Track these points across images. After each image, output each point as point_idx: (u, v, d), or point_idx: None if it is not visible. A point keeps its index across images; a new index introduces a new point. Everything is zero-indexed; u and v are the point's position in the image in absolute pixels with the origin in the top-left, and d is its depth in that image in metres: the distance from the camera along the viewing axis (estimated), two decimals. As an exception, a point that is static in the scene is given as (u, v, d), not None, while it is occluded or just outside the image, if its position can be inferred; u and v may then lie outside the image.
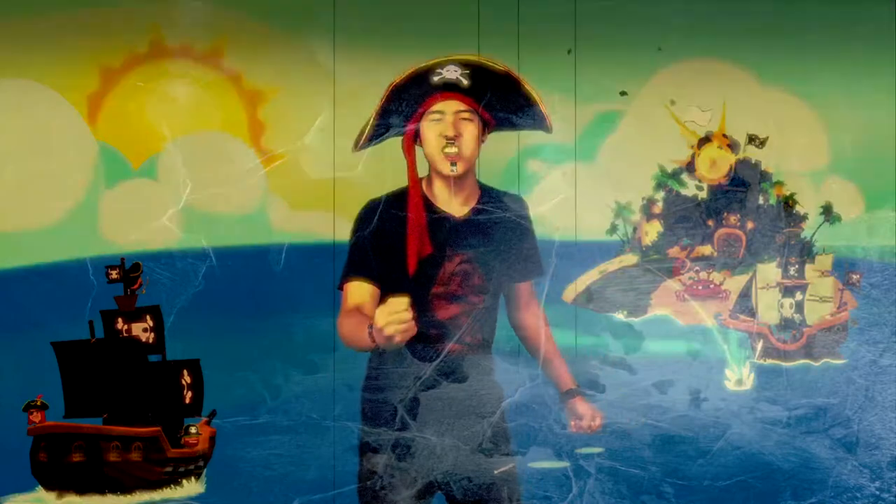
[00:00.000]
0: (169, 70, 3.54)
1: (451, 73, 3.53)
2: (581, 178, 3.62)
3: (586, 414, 3.56)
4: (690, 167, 3.67)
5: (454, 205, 3.53)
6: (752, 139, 3.68)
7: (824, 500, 3.65)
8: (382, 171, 3.54)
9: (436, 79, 3.51)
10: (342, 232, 3.53)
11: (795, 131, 3.69)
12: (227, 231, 3.53)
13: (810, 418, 3.66)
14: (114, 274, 3.49)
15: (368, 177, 3.54)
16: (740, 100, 3.67)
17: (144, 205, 3.51)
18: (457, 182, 3.51)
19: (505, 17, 3.60)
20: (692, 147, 3.67)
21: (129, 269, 3.50)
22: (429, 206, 3.51)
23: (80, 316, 3.47)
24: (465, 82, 3.52)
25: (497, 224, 3.52)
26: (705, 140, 3.67)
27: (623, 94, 3.63)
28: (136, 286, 3.50)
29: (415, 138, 3.52)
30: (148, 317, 3.51)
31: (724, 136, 3.68)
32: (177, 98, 3.54)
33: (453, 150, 3.47)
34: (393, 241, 3.47)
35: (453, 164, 3.48)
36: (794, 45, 3.67)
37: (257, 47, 3.55)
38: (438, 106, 3.49)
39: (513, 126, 3.57)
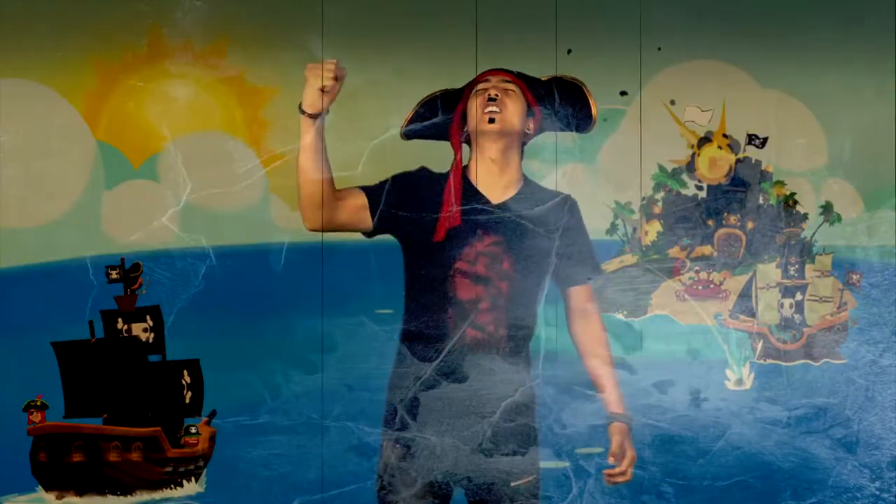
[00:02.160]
0: (169, 70, 3.54)
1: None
2: (581, 178, 3.62)
3: (616, 452, 3.44)
4: (690, 167, 3.67)
5: (494, 189, 3.51)
6: (752, 139, 3.68)
7: (824, 500, 3.65)
8: (383, 171, 3.54)
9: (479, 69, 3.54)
10: (342, 232, 3.53)
11: (795, 131, 3.69)
12: (226, 231, 3.53)
13: (810, 418, 3.66)
14: (114, 274, 3.49)
15: (368, 177, 3.54)
16: (740, 100, 3.67)
17: (144, 205, 3.51)
18: (498, 162, 3.48)
19: (504, 16, 3.60)
20: (692, 147, 3.67)
21: (129, 269, 3.50)
22: (467, 185, 3.50)
23: (80, 316, 3.48)
24: (514, 71, 3.53)
25: (535, 217, 3.49)
26: (705, 140, 3.68)
27: (623, 94, 3.64)
28: (136, 286, 3.50)
29: (462, 124, 3.51)
30: (148, 317, 3.51)
31: (724, 136, 3.68)
32: (177, 98, 3.54)
33: (494, 107, 3.46)
34: (424, 199, 3.46)
35: (492, 119, 3.46)
36: (794, 45, 3.67)
37: (257, 47, 3.55)
38: (485, 79, 3.51)
39: (556, 125, 3.57)
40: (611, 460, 3.45)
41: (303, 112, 3.33)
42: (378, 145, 3.55)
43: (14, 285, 3.47)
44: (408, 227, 3.46)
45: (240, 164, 3.54)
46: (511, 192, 3.50)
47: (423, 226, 3.45)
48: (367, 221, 3.45)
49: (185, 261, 3.51)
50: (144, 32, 3.53)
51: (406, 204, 3.46)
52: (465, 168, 3.53)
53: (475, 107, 3.50)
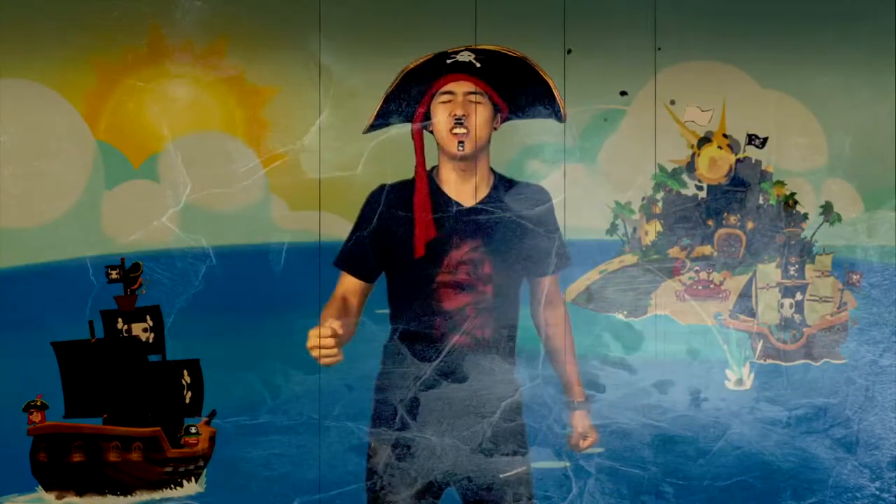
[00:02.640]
0: (169, 70, 3.54)
1: (465, 56, 3.52)
2: (581, 178, 3.62)
3: (577, 430, 3.57)
4: (690, 167, 3.67)
5: (464, 192, 3.52)
6: (752, 139, 3.68)
7: (824, 500, 3.65)
8: (383, 171, 3.54)
9: (448, 62, 3.51)
10: (342, 232, 3.53)
11: (795, 131, 3.68)
12: (227, 231, 3.53)
13: (810, 418, 3.66)
14: (114, 274, 3.49)
15: (368, 177, 3.54)
16: (740, 100, 3.67)
17: (144, 205, 3.51)
18: (467, 168, 3.51)
19: (503, 16, 3.60)
20: (692, 147, 3.67)
21: (129, 269, 3.50)
22: (437, 193, 3.50)
23: (80, 316, 3.47)
24: (478, 65, 3.51)
25: (510, 215, 3.51)
26: (705, 140, 3.68)
27: (623, 94, 3.64)
28: (136, 286, 3.49)
29: (425, 121, 3.51)
30: (148, 317, 3.51)
31: (724, 136, 3.68)
32: (177, 98, 3.54)
33: (461, 130, 3.48)
34: (397, 227, 3.47)
35: (461, 142, 3.48)
36: (794, 45, 3.67)
37: (257, 47, 3.55)
38: (449, 86, 3.50)
39: (524, 114, 3.57)
40: (582, 444, 3.56)
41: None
42: (378, 145, 3.55)
43: (14, 285, 3.47)
44: (388, 257, 3.50)
45: (240, 164, 3.54)
46: (484, 192, 3.51)
47: (401, 248, 3.48)
48: (366, 286, 3.50)
49: (185, 261, 3.51)
50: (144, 32, 3.53)
51: (380, 242, 3.49)
52: (433, 170, 3.53)
53: (440, 117, 3.50)
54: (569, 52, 3.61)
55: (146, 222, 3.51)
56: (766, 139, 3.67)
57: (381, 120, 3.53)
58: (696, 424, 3.63)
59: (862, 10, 3.70)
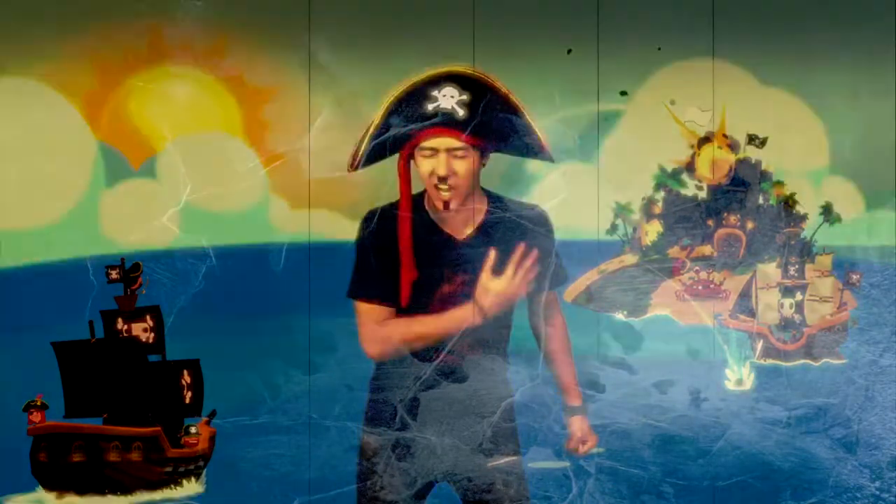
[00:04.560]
0: (169, 70, 3.54)
1: (447, 100, 3.48)
2: (581, 178, 3.62)
3: (576, 435, 3.57)
4: (690, 167, 3.67)
5: (457, 224, 3.51)
6: (752, 139, 3.68)
7: (824, 500, 3.65)
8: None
9: (431, 107, 3.48)
10: (342, 232, 3.53)
11: (795, 131, 3.68)
12: (227, 231, 3.53)
13: (810, 418, 3.66)
14: (114, 274, 3.49)
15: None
16: (740, 100, 3.67)
17: (144, 205, 3.51)
18: (458, 207, 3.50)
19: (503, 17, 3.60)
20: (692, 147, 3.67)
21: (129, 269, 3.50)
22: (429, 225, 3.49)
23: (80, 316, 3.48)
24: (461, 113, 3.48)
25: (507, 243, 3.51)
26: (705, 140, 3.67)
27: (623, 94, 3.63)
28: (136, 286, 3.50)
29: (409, 160, 3.50)
30: (148, 317, 3.51)
31: (724, 136, 3.68)
32: (177, 98, 3.54)
33: (446, 193, 3.46)
34: (391, 260, 3.47)
35: (446, 204, 3.46)
36: (794, 45, 3.67)
37: (257, 47, 3.55)
38: (431, 142, 3.47)
39: (513, 152, 3.56)
40: (581, 449, 3.56)
41: None
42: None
43: (14, 285, 3.47)
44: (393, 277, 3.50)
45: (240, 164, 3.54)
46: (477, 220, 3.50)
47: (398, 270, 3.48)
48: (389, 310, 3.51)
49: (185, 261, 3.51)
50: (144, 32, 3.53)
51: (385, 273, 3.49)
52: (421, 197, 3.51)
53: (423, 169, 3.47)
54: (569, 51, 3.61)
55: (146, 222, 3.51)
56: (766, 139, 3.67)
57: (372, 158, 3.51)
58: (696, 424, 3.63)
59: (862, 10, 3.70)
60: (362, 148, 3.50)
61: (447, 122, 3.48)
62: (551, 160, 3.56)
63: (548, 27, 3.61)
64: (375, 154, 3.50)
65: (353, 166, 3.51)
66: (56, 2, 3.51)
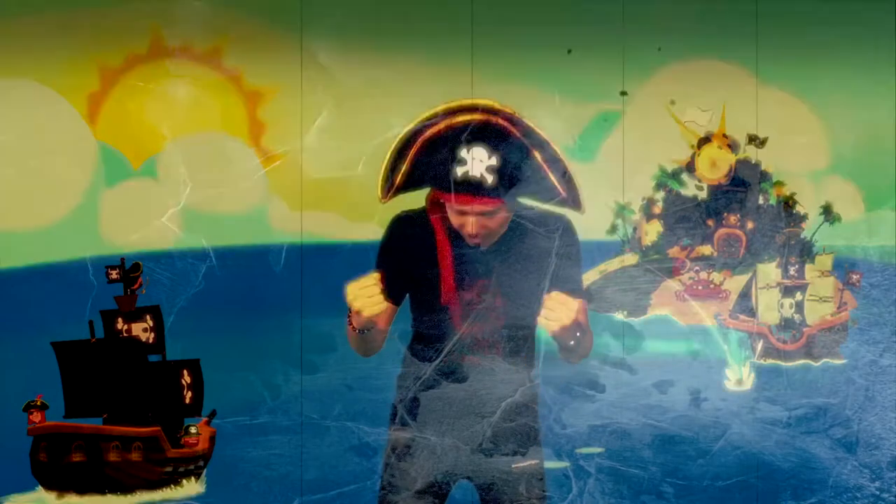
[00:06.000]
0: (169, 70, 3.54)
1: (477, 165, 3.48)
2: (581, 178, 3.62)
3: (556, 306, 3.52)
4: (690, 167, 3.67)
5: (483, 238, 3.53)
6: (752, 139, 3.68)
7: (824, 500, 3.65)
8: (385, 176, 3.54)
9: (460, 173, 3.48)
10: (342, 232, 3.53)
11: (795, 131, 3.69)
12: (227, 231, 3.53)
13: (810, 418, 3.66)
14: (114, 274, 3.49)
15: (368, 177, 3.54)
16: (740, 100, 3.67)
17: (144, 205, 3.51)
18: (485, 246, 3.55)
19: (503, 17, 3.60)
20: (692, 147, 3.67)
21: (129, 269, 3.50)
22: (452, 234, 3.51)
23: (80, 316, 3.48)
24: (490, 180, 3.48)
25: (528, 253, 3.52)
26: (705, 140, 3.67)
27: (623, 94, 3.63)
28: (136, 286, 3.50)
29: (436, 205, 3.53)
30: (148, 317, 3.51)
31: (724, 136, 3.68)
32: (177, 98, 3.54)
33: (476, 239, 3.50)
34: (420, 257, 3.50)
35: (476, 245, 3.51)
36: (794, 45, 3.67)
37: (257, 47, 3.55)
38: (461, 207, 3.48)
39: (541, 199, 3.57)
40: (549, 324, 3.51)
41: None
42: (378, 145, 3.55)
43: (14, 285, 3.47)
44: (411, 281, 3.52)
45: (240, 164, 3.54)
46: (501, 231, 3.52)
47: (422, 273, 3.51)
48: (391, 306, 3.52)
49: (185, 261, 3.51)
50: (144, 32, 3.53)
51: (405, 270, 3.51)
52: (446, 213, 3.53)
53: (454, 221, 3.50)
54: (569, 52, 3.61)
55: (146, 222, 3.51)
56: (766, 139, 3.67)
57: (408, 188, 3.53)
58: (696, 424, 3.63)
59: (862, 9, 3.70)
60: (400, 175, 3.51)
61: (477, 190, 3.48)
62: (580, 209, 3.57)
63: (548, 27, 3.61)
64: (406, 187, 3.52)
65: (388, 194, 3.53)
66: (56, 2, 3.51)
